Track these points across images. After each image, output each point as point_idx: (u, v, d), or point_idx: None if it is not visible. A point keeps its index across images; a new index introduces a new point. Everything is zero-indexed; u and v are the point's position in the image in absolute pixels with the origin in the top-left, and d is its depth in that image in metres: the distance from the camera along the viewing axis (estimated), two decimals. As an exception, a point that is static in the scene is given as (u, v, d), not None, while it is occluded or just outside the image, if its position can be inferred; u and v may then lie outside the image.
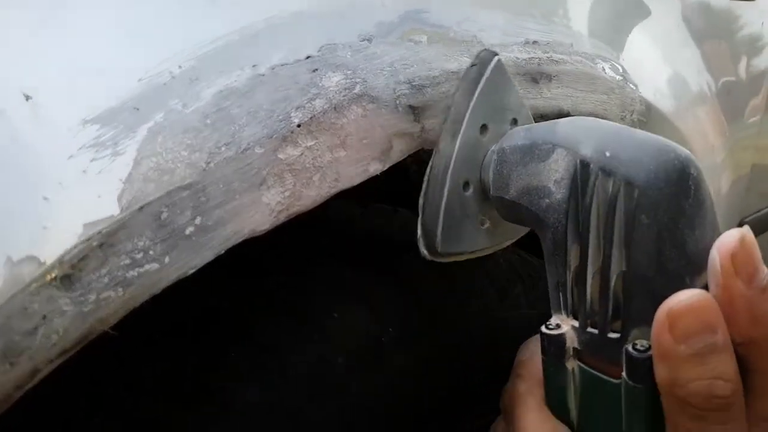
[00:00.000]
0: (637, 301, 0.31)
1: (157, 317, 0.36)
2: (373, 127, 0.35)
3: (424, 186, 0.39)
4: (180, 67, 0.30)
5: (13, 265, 0.26)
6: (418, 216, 0.40)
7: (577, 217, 0.33)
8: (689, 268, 0.30)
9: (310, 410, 0.43)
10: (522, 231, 0.44)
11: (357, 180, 0.36)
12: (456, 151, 0.38)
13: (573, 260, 0.33)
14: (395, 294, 0.49)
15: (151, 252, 0.28)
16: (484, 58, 0.39)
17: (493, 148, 0.39)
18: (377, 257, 0.52)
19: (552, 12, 0.47)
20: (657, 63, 0.63)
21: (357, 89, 0.34)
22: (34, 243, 0.26)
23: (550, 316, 0.35)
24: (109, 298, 0.28)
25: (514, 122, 0.41)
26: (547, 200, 0.35)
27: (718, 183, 0.81)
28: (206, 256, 0.30)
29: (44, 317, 0.27)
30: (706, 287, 0.29)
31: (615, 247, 0.31)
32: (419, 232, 0.40)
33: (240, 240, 0.31)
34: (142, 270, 0.28)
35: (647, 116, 0.55)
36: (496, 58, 0.39)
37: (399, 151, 0.38)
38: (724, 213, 0.85)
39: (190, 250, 0.29)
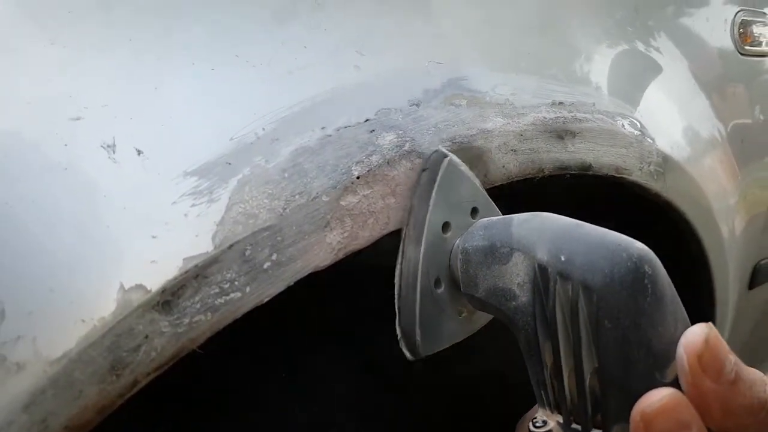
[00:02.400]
0: (613, 400, 0.31)
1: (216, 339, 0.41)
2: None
3: (396, 290, 0.41)
4: (263, 129, 0.35)
5: (125, 291, 0.31)
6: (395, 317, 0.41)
7: (545, 319, 0.34)
8: (658, 364, 0.30)
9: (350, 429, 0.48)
10: None
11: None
12: (422, 254, 0.39)
13: (547, 359, 0.34)
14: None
15: (236, 282, 0.33)
16: (435, 161, 0.40)
17: (457, 243, 0.41)
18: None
19: (576, 75, 0.53)
20: (671, 116, 0.68)
21: (406, 146, 0.40)
22: (143, 273, 0.32)
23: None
24: (200, 321, 0.33)
25: (474, 211, 0.42)
26: (514, 303, 0.35)
27: (732, 225, 0.84)
28: (279, 287, 0.35)
29: (146, 337, 0.32)
30: (676, 378, 0.30)
31: (584, 348, 0.32)
32: (399, 334, 0.41)
33: (306, 274, 0.36)
34: (228, 298, 0.33)
35: (664, 167, 0.59)
36: (446, 159, 0.40)
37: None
38: (739, 255, 0.88)
39: (266, 281, 0.34)
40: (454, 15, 0.46)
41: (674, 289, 0.31)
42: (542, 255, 0.34)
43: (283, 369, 0.48)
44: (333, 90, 0.38)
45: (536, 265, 0.34)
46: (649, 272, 0.30)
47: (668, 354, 0.30)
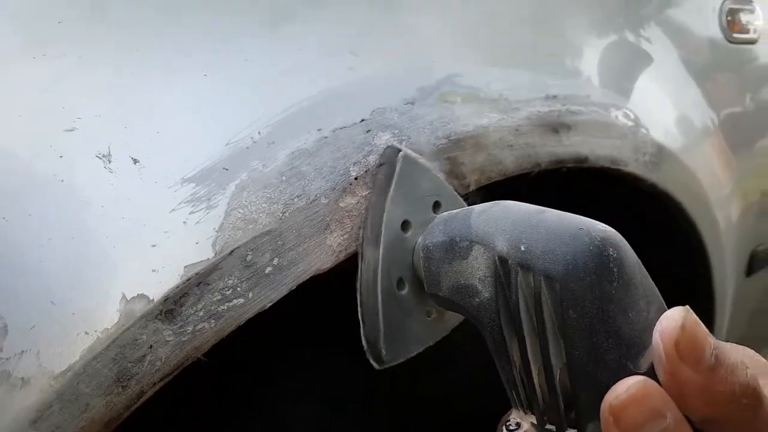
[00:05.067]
0: (585, 395, 0.29)
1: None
2: (417, 177, 0.41)
3: (358, 297, 0.38)
4: (259, 132, 0.35)
5: (127, 302, 0.31)
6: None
7: (509, 314, 0.32)
8: (630, 353, 0.28)
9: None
10: None
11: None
12: (381, 254, 0.37)
13: (515, 356, 0.32)
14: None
15: (238, 289, 0.33)
16: (389, 156, 0.38)
17: (419, 241, 0.39)
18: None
19: (568, 67, 0.53)
20: (664, 105, 0.68)
21: (403, 145, 0.40)
22: (145, 283, 0.32)
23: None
24: (204, 329, 0.33)
25: (437, 205, 0.40)
26: (477, 299, 0.33)
27: (728, 213, 0.84)
28: (281, 291, 0.35)
29: (150, 347, 0.32)
30: (651, 366, 0.27)
31: (551, 342, 0.30)
32: (364, 344, 0.39)
33: (308, 277, 0.36)
34: (230, 304, 0.33)
35: (659, 157, 0.60)
36: (401, 153, 0.39)
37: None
38: (735, 243, 0.88)
39: (269, 286, 0.34)
40: (446, 12, 0.46)
41: (645, 270, 0.29)
42: (502, 246, 0.32)
43: (286, 370, 0.48)
44: (328, 91, 0.38)
45: (496, 258, 0.32)
46: (614, 255, 0.28)
47: (642, 341, 0.28)
